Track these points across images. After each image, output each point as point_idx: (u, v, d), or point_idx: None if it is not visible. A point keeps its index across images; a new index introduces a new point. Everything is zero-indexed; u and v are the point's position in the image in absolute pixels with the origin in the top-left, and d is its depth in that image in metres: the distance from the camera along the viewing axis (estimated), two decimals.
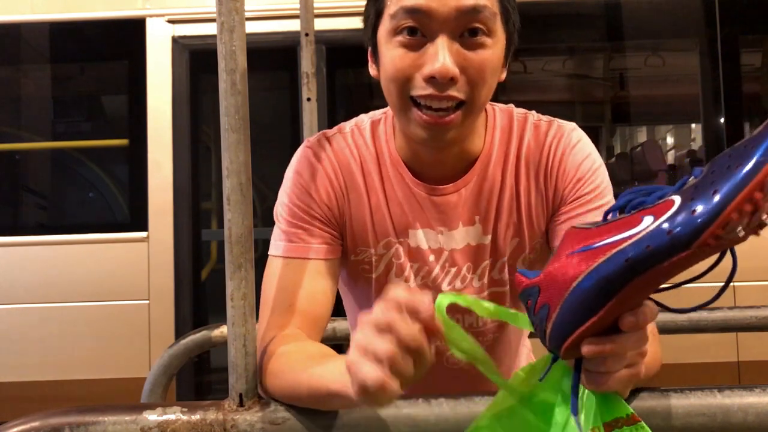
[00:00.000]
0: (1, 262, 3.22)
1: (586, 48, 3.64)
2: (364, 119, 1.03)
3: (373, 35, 0.92)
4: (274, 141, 3.51)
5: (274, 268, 0.96)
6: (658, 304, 0.62)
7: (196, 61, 3.32)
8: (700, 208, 0.53)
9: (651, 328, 0.65)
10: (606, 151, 3.97)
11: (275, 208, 1.00)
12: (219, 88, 0.79)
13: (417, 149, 0.96)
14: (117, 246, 3.22)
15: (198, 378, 3.34)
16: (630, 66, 3.71)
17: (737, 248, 0.56)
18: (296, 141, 3.22)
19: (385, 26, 0.88)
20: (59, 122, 3.60)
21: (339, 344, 1.41)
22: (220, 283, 0.81)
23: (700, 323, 1.50)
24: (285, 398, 0.81)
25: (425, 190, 0.98)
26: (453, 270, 1.01)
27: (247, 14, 0.83)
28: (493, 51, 0.87)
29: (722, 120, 3.29)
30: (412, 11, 0.84)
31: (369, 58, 0.96)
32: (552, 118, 1.00)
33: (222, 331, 1.49)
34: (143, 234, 3.22)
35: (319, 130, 1.86)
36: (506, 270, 1.01)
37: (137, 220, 3.25)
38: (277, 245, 0.97)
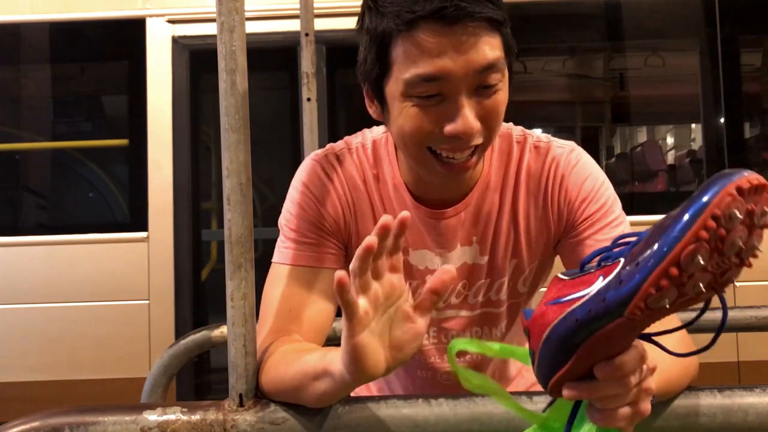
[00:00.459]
0: (1, 262, 3.22)
1: (586, 48, 3.64)
2: (368, 137, 1.03)
3: (378, 86, 0.89)
4: (274, 141, 3.51)
5: (278, 275, 0.96)
6: (655, 343, 0.63)
7: (196, 61, 3.32)
8: (624, 281, 0.55)
9: (662, 358, 0.66)
10: (606, 151, 3.97)
11: (280, 219, 1.00)
12: (219, 88, 0.79)
13: (422, 178, 0.96)
14: (117, 246, 3.22)
15: (198, 378, 3.34)
16: (630, 66, 3.71)
17: None
18: (296, 141, 3.22)
19: (396, 85, 0.85)
20: (59, 122, 3.60)
21: (339, 345, 1.41)
22: (220, 283, 0.81)
23: (700, 323, 1.49)
24: (273, 392, 0.81)
25: (426, 213, 0.99)
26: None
27: (247, 14, 0.83)
28: (504, 89, 0.87)
29: (722, 120, 3.29)
30: (430, 79, 0.82)
31: (366, 98, 0.94)
32: (551, 139, 1.01)
33: (222, 331, 1.49)
34: (143, 234, 3.22)
35: (319, 130, 1.88)
36: (504, 290, 1.02)
37: (137, 220, 3.25)
38: (283, 253, 0.97)
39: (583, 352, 0.58)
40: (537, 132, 1.02)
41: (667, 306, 0.54)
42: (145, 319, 3.18)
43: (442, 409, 0.78)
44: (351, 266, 0.65)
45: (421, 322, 0.68)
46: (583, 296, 0.58)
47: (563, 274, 0.64)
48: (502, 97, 0.87)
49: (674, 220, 0.53)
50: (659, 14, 3.36)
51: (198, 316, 3.27)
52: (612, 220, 0.94)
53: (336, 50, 3.31)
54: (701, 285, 0.53)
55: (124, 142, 3.40)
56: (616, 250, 0.60)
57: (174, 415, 0.78)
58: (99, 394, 3.08)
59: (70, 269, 3.20)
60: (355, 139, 1.03)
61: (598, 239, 0.94)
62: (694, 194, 0.53)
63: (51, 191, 3.61)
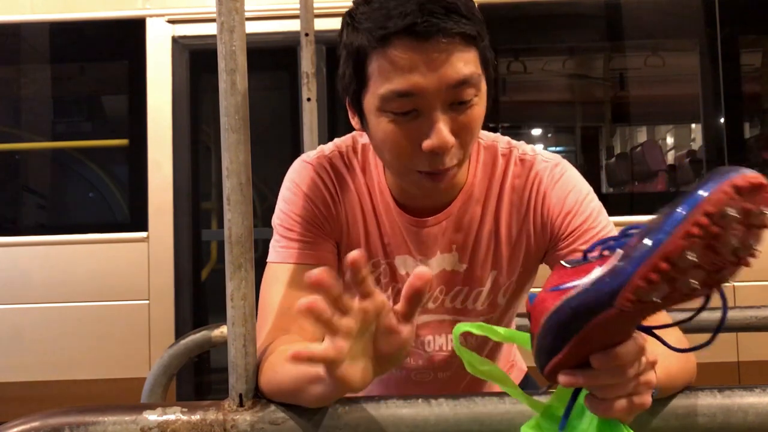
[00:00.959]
0: (1, 262, 3.22)
1: (586, 48, 3.64)
2: (358, 141, 1.03)
3: (356, 99, 0.90)
4: (274, 141, 3.51)
5: (275, 274, 0.96)
6: (656, 337, 0.64)
7: (196, 61, 3.32)
8: (617, 272, 0.55)
9: (662, 352, 0.66)
10: (606, 151, 3.97)
11: (273, 219, 1.00)
12: (219, 88, 0.79)
13: (405, 187, 0.97)
14: (117, 246, 3.22)
15: (198, 378, 3.34)
16: (630, 66, 3.71)
17: None
18: (296, 141, 3.22)
19: (372, 99, 0.86)
20: (59, 122, 3.60)
21: None
22: (220, 283, 0.81)
23: (700, 323, 1.49)
24: (272, 393, 0.81)
25: (409, 221, 0.99)
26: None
27: (247, 14, 0.83)
28: (480, 104, 0.87)
29: (722, 120, 3.29)
30: (403, 95, 0.82)
31: (349, 110, 0.95)
32: (536, 152, 1.01)
33: (222, 331, 1.49)
34: (143, 234, 3.22)
35: (319, 130, 1.88)
36: (481, 300, 1.03)
37: (137, 220, 3.26)
38: (279, 252, 0.97)
39: (578, 341, 0.59)
40: (523, 144, 1.02)
41: (659, 300, 0.54)
42: (145, 319, 3.18)
43: (442, 409, 0.78)
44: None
45: (406, 330, 0.67)
46: (579, 285, 0.58)
47: (566, 261, 0.64)
48: (477, 112, 0.86)
49: (668, 215, 0.53)
50: (659, 14, 3.36)
51: (198, 316, 3.28)
52: (599, 231, 0.95)
53: (336, 50, 3.30)
54: (695, 282, 0.53)
55: (124, 142, 3.40)
56: (619, 241, 0.60)
57: (174, 415, 0.78)
58: (99, 394, 3.08)
59: (70, 269, 3.20)
60: (345, 142, 1.03)
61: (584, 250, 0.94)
62: (692, 190, 0.53)
63: (51, 191, 3.61)
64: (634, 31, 3.47)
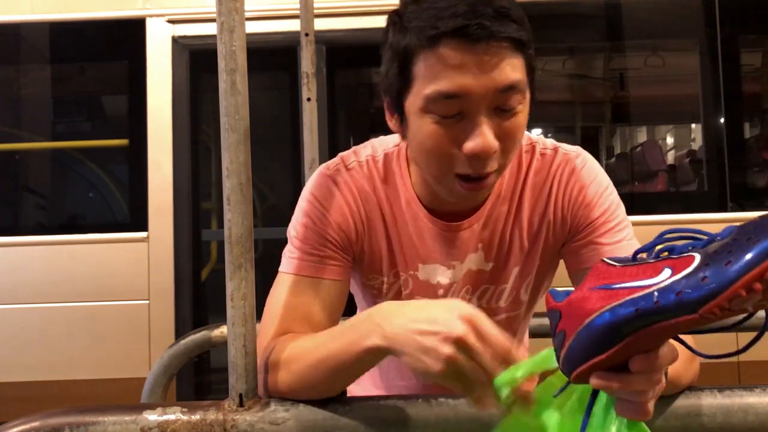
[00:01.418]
0: (1, 262, 3.22)
1: (586, 48, 3.64)
2: (378, 150, 1.02)
3: (399, 100, 0.89)
4: (274, 141, 3.51)
5: (282, 284, 0.96)
6: (679, 340, 0.63)
7: (196, 61, 3.32)
8: (710, 277, 0.52)
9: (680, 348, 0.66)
10: (606, 151, 3.97)
11: (289, 228, 1.00)
12: (219, 88, 0.79)
13: (438, 192, 0.96)
14: (117, 246, 3.22)
15: (198, 378, 3.34)
16: (630, 66, 3.71)
17: None
18: (296, 141, 3.21)
19: (417, 100, 0.85)
20: (59, 122, 3.60)
21: None
22: (220, 283, 0.81)
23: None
24: (300, 386, 0.81)
25: (441, 227, 0.99)
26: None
27: (247, 14, 0.83)
28: (524, 112, 0.87)
29: (722, 120, 3.29)
30: (450, 96, 0.82)
31: (387, 111, 0.94)
32: (557, 145, 1.01)
33: (222, 331, 1.49)
34: (143, 234, 3.22)
35: (319, 130, 1.88)
36: (504, 297, 1.03)
37: (137, 220, 3.25)
38: (289, 262, 0.97)
39: (628, 343, 0.57)
40: (543, 139, 1.02)
41: (750, 308, 0.53)
42: (145, 319, 3.18)
43: (442, 409, 0.78)
44: None
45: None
46: (647, 286, 0.56)
47: (610, 259, 0.62)
48: (521, 120, 0.86)
49: None
50: (659, 14, 3.36)
51: (198, 316, 3.27)
52: (615, 225, 0.95)
53: (336, 50, 3.30)
54: None
55: (124, 142, 3.40)
56: (679, 243, 0.59)
57: (174, 415, 0.78)
58: (99, 394, 3.08)
59: (70, 269, 3.20)
60: (365, 151, 1.02)
61: (601, 243, 0.95)
62: None
63: (51, 191, 3.61)
64: (634, 31, 3.47)
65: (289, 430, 0.79)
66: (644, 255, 0.61)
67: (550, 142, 1.02)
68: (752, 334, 0.60)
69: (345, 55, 3.32)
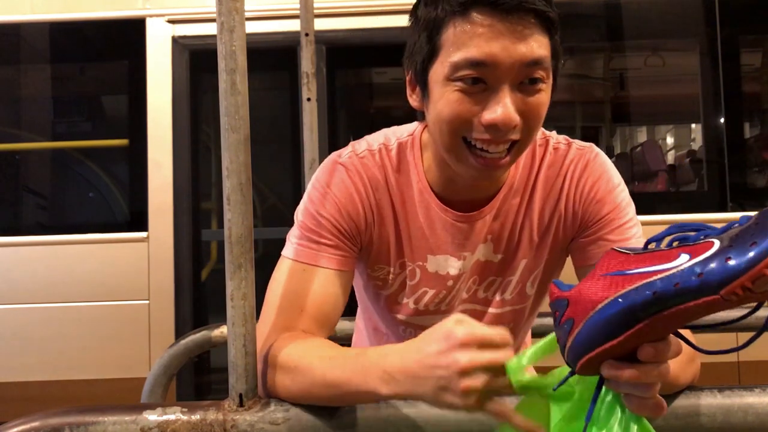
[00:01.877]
0: (1, 262, 3.22)
1: (586, 48, 3.64)
2: (391, 139, 1.01)
3: (423, 69, 0.89)
4: (274, 141, 3.51)
5: (284, 269, 0.96)
6: (683, 339, 0.63)
7: (196, 61, 3.32)
8: (734, 258, 0.53)
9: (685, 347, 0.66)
10: (606, 151, 3.96)
11: (296, 212, 0.99)
12: (219, 88, 0.79)
13: (453, 178, 0.96)
14: (117, 246, 3.22)
15: (198, 378, 3.34)
16: (630, 66, 3.71)
17: None
18: (296, 141, 3.21)
19: (442, 68, 0.85)
20: (59, 122, 3.60)
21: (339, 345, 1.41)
22: (220, 283, 0.81)
23: (700, 323, 1.50)
24: (300, 398, 0.81)
25: (454, 217, 0.98)
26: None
27: (247, 14, 0.83)
28: (547, 92, 0.88)
29: (722, 120, 3.29)
30: (477, 64, 0.82)
31: (408, 86, 0.94)
32: (571, 141, 1.01)
33: (222, 331, 1.49)
34: (143, 234, 3.22)
35: (319, 130, 1.87)
36: (510, 289, 1.03)
37: (137, 220, 3.25)
38: (292, 246, 0.96)
39: (641, 329, 0.57)
40: (556, 134, 1.02)
41: None
42: (145, 319, 3.18)
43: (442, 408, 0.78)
44: None
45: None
46: (665, 270, 0.56)
47: (621, 248, 0.62)
48: (544, 98, 0.87)
49: None
50: (659, 14, 3.36)
51: (198, 316, 3.27)
52: (625, 222, 0.96)
53: (336, 50, 3.30)
54: None
55: (124, 142, 3.40)
56: (693, 233, 0.59)
57: (174, 415, 0.78)
58: (99, 394, 3.08)
59: (70, 269, 3.20)
60: (377, 140, 1.02)
61: (610, 239, 0.95)
62: None
63: (51, 191, 3.61)
64: (634, 31, 3.47)
65: (289, 430, 0.79)
66: (653, 245, 0.61)
67: (564, 137, 1.02)
68: (752, 334, 0.60)
69: (345, 55, 3.32)
